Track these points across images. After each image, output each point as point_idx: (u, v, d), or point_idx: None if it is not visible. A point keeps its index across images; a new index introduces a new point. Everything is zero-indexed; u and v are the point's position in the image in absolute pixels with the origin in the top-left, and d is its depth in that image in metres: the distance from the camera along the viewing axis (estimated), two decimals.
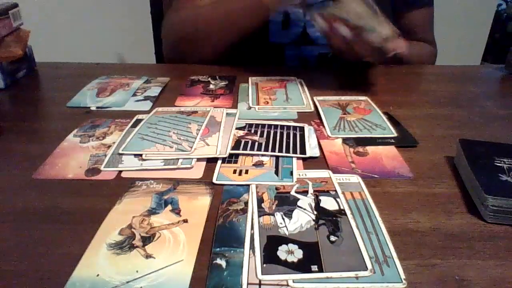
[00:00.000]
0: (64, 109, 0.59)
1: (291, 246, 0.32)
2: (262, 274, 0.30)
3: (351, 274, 0.30)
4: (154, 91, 0.64)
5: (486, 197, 0.36)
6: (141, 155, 0.45)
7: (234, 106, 0.59)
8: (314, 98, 0.61)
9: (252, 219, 0.35)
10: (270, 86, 0.66)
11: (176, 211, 0.37)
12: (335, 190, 0.39)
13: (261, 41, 0.79)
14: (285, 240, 0.33)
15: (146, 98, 0.61)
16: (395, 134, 0.51)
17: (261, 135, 0.49)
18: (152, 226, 0.35)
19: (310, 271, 0.30)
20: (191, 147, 0.46)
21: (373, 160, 0.46)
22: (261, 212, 0.36)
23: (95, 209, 0.37)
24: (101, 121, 0.54)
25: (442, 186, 0.41)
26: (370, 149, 0.48)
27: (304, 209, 0.37)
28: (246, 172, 0.43)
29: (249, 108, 0.59)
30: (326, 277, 0.30)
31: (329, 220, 0.35)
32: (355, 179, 0.42)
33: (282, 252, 0.32)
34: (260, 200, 0.38)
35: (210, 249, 0.32)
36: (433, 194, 0.40)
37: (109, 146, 0.47)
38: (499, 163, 0.40)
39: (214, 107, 0.57)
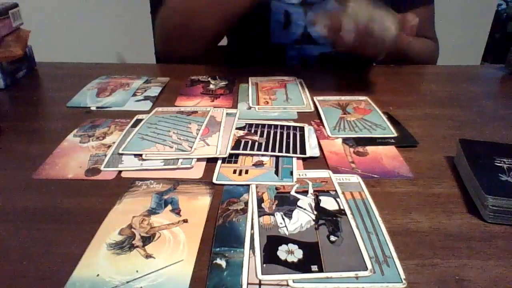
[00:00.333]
0: (64, 109, 0.59)
1: (291, 246, 0.32)
2: (262, 274, 0.30)
3: (351, 274, 0.30)
4: (154, 91, 0.64)
5: (486, 197, 0.36)
6: (141, 155, 0.45)
7: (234, 106, 0.59)
8: (314, 98, 0.61)
9: (252, 219, 0.35)
10: (270, 86, 0.66)
11: (176, 211, 0.37)
12: (335, 190, 0.39)
13: (262, 42, 0.79)
14: (285, 240, 0.33)
15: (146, 98, 0.61)
16: (395, 134, 0.51)
17: (261, 135, 0.49)
18: (152, 226, 0.35)
19: (310, 271, 0.30)
20: (191, 147, 0.46)
21: (373, 160, 0.46)
22: (261, 212, 0.36)
23: (95, 209, 0.37)
24: (101, 121, 0.54)
25: (442, 186, 0.41)
26: (370, 149, 0.48)
27: (304, 209, 0.37)
28: (246, 172, 0.43)
29: (249, 108, 0.59)
30: (326, 277, 0.30)
31: (329, 220, 0.35)
32: (355, 179, 0.42)
33: (282, 252, 0.32)
34: (260, 200, 0.38)
35: (210, 249, 0.32)
36: (433, 194, 0.40)
37: (109, 146, 0.47)
38: (499, 163, 0.40)
39: (214, 107, 0.57)
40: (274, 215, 0.36)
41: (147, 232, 0.34)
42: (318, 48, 0.80)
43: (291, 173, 0.42)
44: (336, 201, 0.38)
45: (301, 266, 0.30)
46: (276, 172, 0.43)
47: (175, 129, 0.50)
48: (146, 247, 0.32)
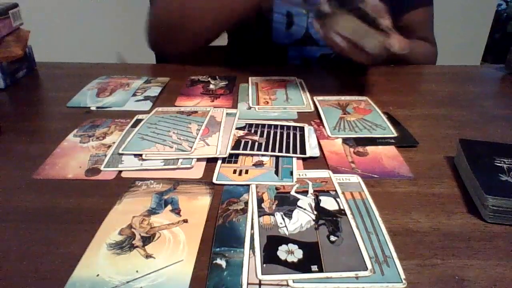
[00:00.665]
0: (64, 109, 0.59)
1: (291, 246, 0.32)
2: (262, 274, 0.30)
3: (351, 274, 0.30)
4: (154, 91, 0.64)
5: (486, 197, 0.36)
6: (141, 155, 0.45)
7: (234, 106, 0.59)
8: (314, 98, 0.61)
9: (252, 219, 0.35)
10: (270, 86, 0.66)
11: (176, 211, 0.37)
12: (335, 190, 0.39)
13: (264, 42, 0.79)
14: (285, 240, 0.33)
15: (146, 98, 0.61)
16: (395, 134, 0.51)
17: (261, 135, 0.49)
18: (152, 226, 0.35)
19: (310, 271, 0.30)
20: (191, 147, 0.46)
21: (373, 160, 0.46)
22: (261, 212, 0.36)
23: (95, 209, 0.37)
24: (101, 121, 0.54)
25: (442, 186, 0.41)
26: (370, 149, 0.48)
27: (304, 209, 0.37)
28: (246, 172, 0.43)
29: (249, 108, 0.59)
30: (326, 277, 0.30)
31: (329, 220, 0.35)
32: (355, 179, 0.42)
33: (282, 252, 0.32)
34: (260, 200, 0.38)
35: (210, 249, 0.32)
36: (433, 194, 0.40)
37: (109, 146, 0.47)
38: (499, 163, 0.40)
39: (214, 107, 0.57)
40: (274, 215, 0.36)
41: (147, 232, 0.34)
42: (320, 49, 0.80)
43: (291, 173, 0.42)
44: (336, 201, 0.38)
45: (301, 266, 0.30)
46: (276, 172, 0.43)
47: (175, 129, 0.50)
48: (146, 247, 0.32)
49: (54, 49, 0.99)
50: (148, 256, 0.31)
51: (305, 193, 0.39)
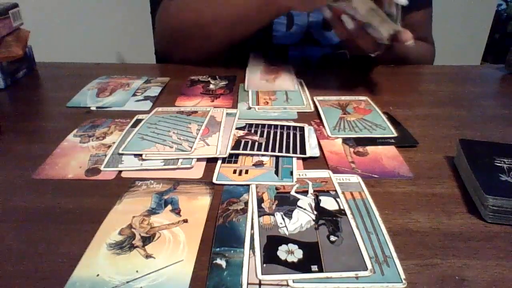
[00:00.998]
0: (64, 109, 0.59)
1: (291, 246, 0.32)
2: (262, 274, 0.30)
3: (351, 274, 0.30)
4: (154, 91, 0.64)
5: (486, 197, 0.36)
6: (141, 155, 0.45)
7: (234, 106, 0.59)
8: (314, 98, 0.61)
9: (252, 219, 0.35)
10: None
11: (176, 211, 0.37)
12: (335, 190, 0.39)
13: (265, 42, 0.79)
14: (285, 240, 0.33)
15: (146, 98, 0.61)
16: (395, 134, 0.51)
17: (261, 135, 0.49)
18: (152, 226, 0.35)
19: (310, 271, 0.30)
20: (191, 147, 0.46)
21: (373, 160, 0.46)
22: (261, 212, 0.36)
23: (95, 209, 0.37)
24: (101, 121, 0.54)
25: (442, 186, 0.41)
26: (370, 149, 0.48)
27: (304, 209, 0.37)
28: (246, 172, 0.43)
29: (249, 108, 0.59)
30: (326, 277, 0.30)
31: (329, 220, 0.35)
32: (355, 179, 0.42)
33: (282, 252, 0.32)
34: (260, 200, 0.38)
35: (210, 249, 0.32)
36: (433, 194, 0.40)
37: (109, 146, 0.47)
38: (499, 163, 0.40)
39: (214, 107, 0.57)
40: (274, 215, 0.36)
41: (147, 232, 0.34)
42: (320, 49, 0.80)
43: (291, 173, 0.42)
44: (336, 201, 0.38)
45: (301, 266, 0.30)
46: (276, 172, 0.43)
47: (175, 129, 0.50)
48: (146, 247, 0.32)
49: (54, 49, 0.99)
50: (148, 256, 0.31)
51: (305, 193, 0.39)
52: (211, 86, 0.66)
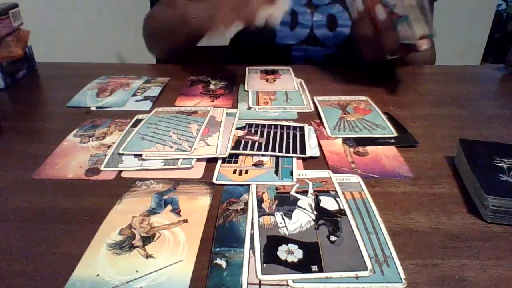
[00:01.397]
0: (64, 109, 0.59)
1: (291, 246, 0.32)
2: (262, 274, 0.30)
3: (351, 274, 0.30)
4: (154, 91, 0.64)
5: (486, 197, 0.36)
6: (141, 155, 0.45)
7: (234, 106, 0.59)
8: (314, 98, 0.61)
9: (252, 219, 0.35)
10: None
11: (176, 211, 0.37)
12: (335, 190, 0.39)
13: (268, 42, 0.79)
14: (285, 240, 0.33)
15: (146, 98, 0.61)
16: (395, 134, 0.51)
17: (261, 135, 0.49)
18: (152, 226, 0.35)
19: (310, 271, 0.30)
20: (191, 147, 0.46)
21: (373, 160, 0.46)
22: (261, 212, 0.36)
23: (95, 209, 0.37)
24: (101, 121, 0.54)
25: (442, 186, 0.41)
26: (370, 149, 0.48)
27: (304, 209, 0.37)
28: (246, 172, 0.43)
29: (249, 108, 0.59)
30: (326, 277, 0.30)
31: (329, 220, 0.35)
32: (355, 179, 0.42)
33: (282, 252, 0.32)
34: (260, 200, 0.38)
35: (210, 249, 0.32)
36: (433, 194, 0.40)
37: (109, 146, 0.47)
38: (499, 163, 0.40)
39: (214, 107, 0.57)
40: (274, 215, 0.36)
41: (147, 232, 0.34)
42: (323, 49, 0.80)
43: (291, 173, 0.42)
44: (336, 201, 0.38)
45: (301, 266, 0.30)
46: (276, 172, 0.43)
47: (175, 129, 0.50)
48: (146, 247, 0.32)
49: (54, 49, 0.99)
50: (148, 256, 0.31)
51: (305, 193, 0.39)
52: (211, 86, 0.66)
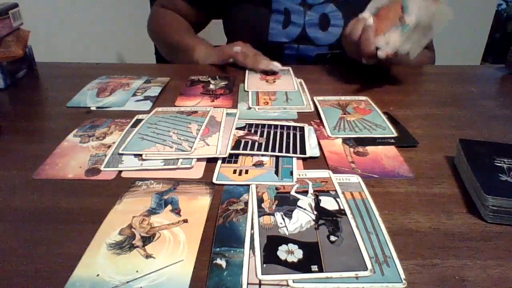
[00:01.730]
0: (64, 109, 0.59)
1: (291, 246, 0.32)
2: (262, 274, 0.30)
3: (351, 274, 0.30)
4: (154, 91, 0.64)
5: (486, 197, 0.36)
6: (141, 155, 0.45)
7: (234, 106, 0.59)
8: (314, 98, 0.61)
9: (252, 219, 0.35)
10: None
11: (176, 211, 0.37)
12: (335, 190, 0.39)
13: (260, 40, 0.79)
14: (285, 240, 0.33)
15: (146, 98, 0.61)
16: (395, 134, 0.51)
17: (261, 135, 0.49)
18: (152, 226, 0.35)
19: (310, 271, 0.30)
20: (191, 147, 0.46)
21: (373, 160, 0.46)
22: (261, 212, 0.36)
23: (95, 209, 0.37)
24: (101, 121, 0.54)
25: (442, 186, 0.41)
26: (370, 149, 0.48)
27: (304, 209, 0.37)
28: (246, 172, 0.43)
29: (249, 108, 0.59)
30: (326, 277, 0.30)
31: (329, 220, 0.35)
32: (355, 179, 0.42)
33: (282, 252, 0.32)
34: (260, 200, 0.38)
35: (210, 249, 0.32)
36: (433, 194, 0.40)
37: (109, 146, 0.47)
38: (499, 163, 0.40)
39: (214, 107, 0.57)
40: (274, 215, 0.36)
41: (147, 232, 0.34)
42: (316, 49, 0.80)
43: (291, 173, 0.42)
44: (336, 201, 0.38)
45: (301, 266, 0.30)
46: (276, 172, 0.43)
47: (175, 129, 0.50)
48: (146, 247, 0.32)
49: (54, 49, 0.99)
50: (148, 256, 0.31)
51: (305, 193, 0.39)
52: (211, 86, 0.66)
